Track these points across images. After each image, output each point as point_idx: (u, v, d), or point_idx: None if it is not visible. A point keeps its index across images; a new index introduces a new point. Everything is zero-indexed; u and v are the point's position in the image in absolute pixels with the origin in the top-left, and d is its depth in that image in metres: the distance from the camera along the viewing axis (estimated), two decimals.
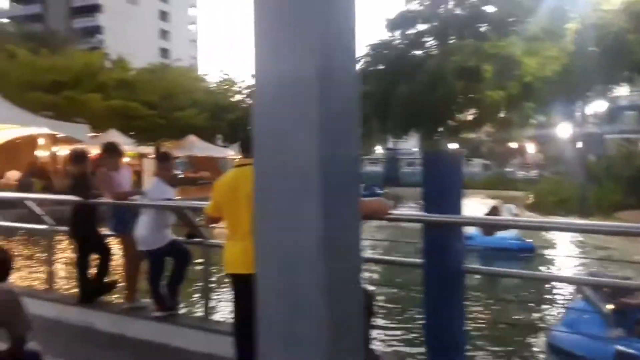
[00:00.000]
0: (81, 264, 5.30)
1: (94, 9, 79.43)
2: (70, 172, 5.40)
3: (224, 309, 5.74)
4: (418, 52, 37.39)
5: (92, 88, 24.50)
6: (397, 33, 36.90)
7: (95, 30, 70.78)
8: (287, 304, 1.37)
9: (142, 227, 4.85)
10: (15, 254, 10.98)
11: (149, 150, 26.39)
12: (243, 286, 3.63)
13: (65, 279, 6.79)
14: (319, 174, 1.24)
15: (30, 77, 23.17)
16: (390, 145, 48.61)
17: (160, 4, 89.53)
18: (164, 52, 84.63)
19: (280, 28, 1.29)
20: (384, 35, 35.55)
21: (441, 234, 3.54)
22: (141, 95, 26.61)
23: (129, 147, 26.28)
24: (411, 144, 50.10)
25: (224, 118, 33.57)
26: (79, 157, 5.38)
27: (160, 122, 25.55)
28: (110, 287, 5.35)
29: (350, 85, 1.35)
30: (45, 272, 5.77)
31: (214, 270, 5.20)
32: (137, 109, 25.24)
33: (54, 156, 25.27)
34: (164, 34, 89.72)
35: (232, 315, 3.81)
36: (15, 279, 8.42)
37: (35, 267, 9.28)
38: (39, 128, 21.07)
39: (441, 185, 3.50)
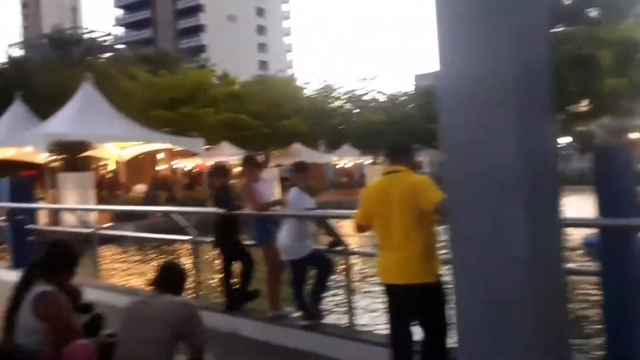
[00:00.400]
0: (225, 273, 5.52)
1: (198, 30, 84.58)
2: (213, 185, 5.65)
3: (369, 318, 5.70)
4: None
5: (204, 103, 25.98)
6: None
7: (200, 49, 75.22)
8: (490, 319, 1.24)
9: (284, 237, 4.96)
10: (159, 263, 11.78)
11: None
12: (400, 296, 3.57)
13: (210, 288, 7.13)
14: (521, 174, 1.11)
15: (151, 96, 25.08)
16: None
17: (257, 18, 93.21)
18: (263, 64, 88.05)
19: (469, 26, 1.18)
20: None
21: (619, 240, 3.23)
22: (248, 106, 27.74)
23: (239, 157, 27.53)
24: None
25: (326, 124, 34.08)
26: (220, 170, 5.63)
27: (267, 132, 26.48)
28: (254, 295, 5.52)
29: (546, 78, 1.21)
30: (192, 281, 6.08)
31: (357, 279, 5.18)
32: (245, 121, 26.35)
33: (172, 169, 27.10)
34: (261, 46, 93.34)
35: (387, 326, 3.74)
36: None
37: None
38: (160, 144, 22.69)
39: (615, 185, 3.19)
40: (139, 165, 24.72)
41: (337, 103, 38.29)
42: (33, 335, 2.72)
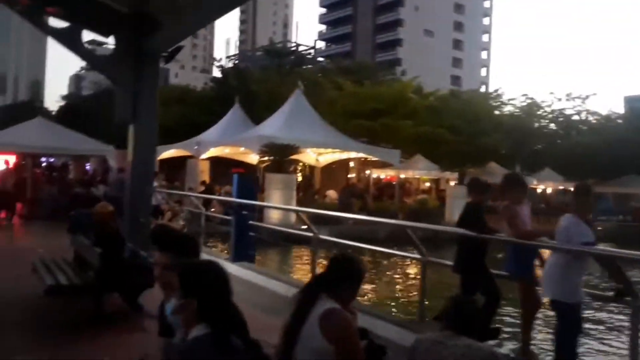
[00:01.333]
0: None
1: (395, 44, 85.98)
2: (467, 202, 4.99)
3: None
4: None
5: (403, 115, 25.79)
6: None
7: (395, 62, 76.19)
8: None
9: (550, 272, 4.11)
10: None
11: (449, 175, 26.35)
12: None
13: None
14: None
15: (354, 105, 25.71)
16: None
17: (454, 33, 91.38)
18: (455, 79, 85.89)
19: None
20: None
21: None
22: (446, 120, 26.84)
23: (432, 172, 26.82)
24: None
25: (526, 144, 31.46)
26: (478, 187, 4.95)
27: (464, 148, 25.26)
28: (495, 334, 4.75)
29: None
30: (417, 303, 5.56)
31: None
32: (442, 135, 25.50)
33: (361, 179, 27.41)
34: (456, 61, 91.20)
35: None
36: (384, 304, 8.76)
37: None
38: (357, 153, 23.02)
39: None
40: (331, 172, 25.44)
41: (541, 122, 35.12)
42: (317, 355, 2.39)
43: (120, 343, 5.14)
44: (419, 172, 26.59)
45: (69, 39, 7.78)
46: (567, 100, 36.22)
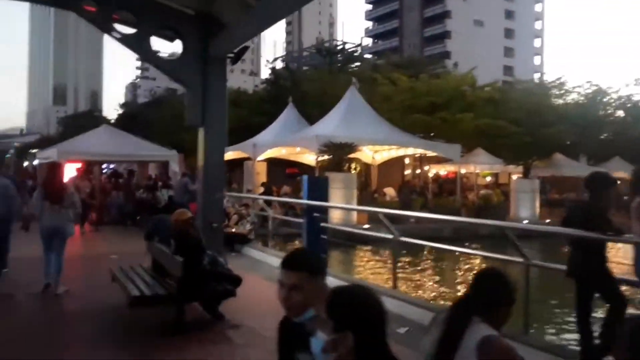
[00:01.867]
0: (581, 312, 4.35)
1: (443, 36, 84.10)
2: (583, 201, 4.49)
3: None
4: None
5: (461, 108, 24.90)
6: None
7: (444, 55, 74.40)
8: None
9: None
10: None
11: (512, 169, 25.27)
12: None
13: (545, 324, 5.97)
14: None
15: (411, 100, 25.07)
16: None
17: (505, 22, 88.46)
18: (508, 69, 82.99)
19: None
20: None
21: None
22: (505, 113, 25.77)
23: (494, 166, 25.77)
24: None
25: (592, 133, 29.80)
26: (602, 181, 4.37)
27: (526, 140, 24.10)
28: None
29: None
30: (522, 313, 5.06)
31: None
32: (503, 128, 24.45)
33: (416, 175, 26.67)
34: (508, 51, 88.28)
35: None
36: None
37: None
38: (415, 149, 22.35)
39: None
40: (386, 169, 24.85)
41: (607, 110, 33.23)
42: None
43: (206, 354, 4.95)
44: (481, 167, 25.66)
45: (137, 45, 7.73)
46: (635, 85, 34.15)
